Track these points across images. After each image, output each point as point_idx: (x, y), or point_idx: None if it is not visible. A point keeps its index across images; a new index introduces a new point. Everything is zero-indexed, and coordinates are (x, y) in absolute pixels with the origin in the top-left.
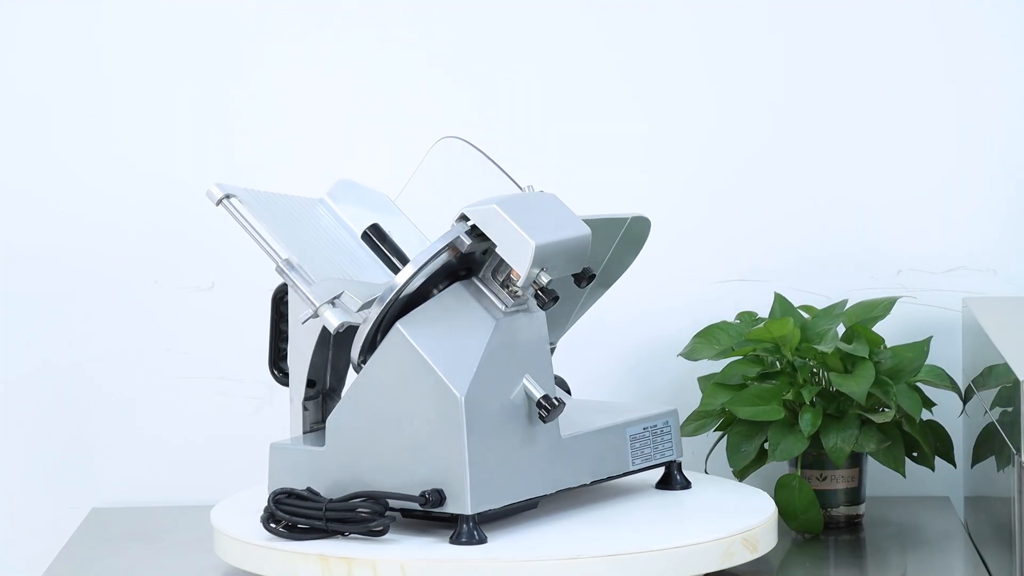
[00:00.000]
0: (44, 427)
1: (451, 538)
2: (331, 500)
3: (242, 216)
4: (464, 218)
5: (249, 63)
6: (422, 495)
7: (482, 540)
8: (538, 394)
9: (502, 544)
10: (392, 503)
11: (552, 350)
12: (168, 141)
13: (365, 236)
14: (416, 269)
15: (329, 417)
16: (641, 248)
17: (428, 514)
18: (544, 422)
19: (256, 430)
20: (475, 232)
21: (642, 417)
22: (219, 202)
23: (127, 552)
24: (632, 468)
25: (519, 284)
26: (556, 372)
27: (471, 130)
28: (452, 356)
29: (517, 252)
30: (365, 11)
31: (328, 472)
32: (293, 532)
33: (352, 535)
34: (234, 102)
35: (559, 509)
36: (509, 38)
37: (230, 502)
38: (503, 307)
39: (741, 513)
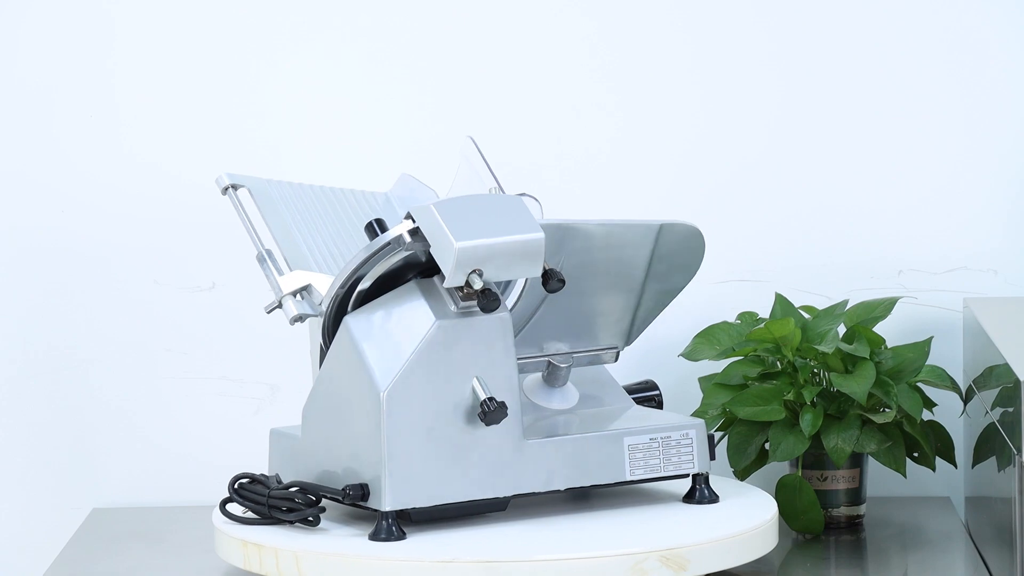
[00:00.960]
0: (45, 427)
1: (370, 534)
2: (274, 488)
3: (240, 207)
4: (410, 217)
5: (251, 62)
6: (344, 489)
7: (400, 537)
8: (482, 396)
9: (421, 542)
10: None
11: (616, 356)
12: (169, 141)
13: (368, 229)
14: (355, 266)
15: (304, 405)
16: (700, 254)
17: (365, 509)
18: (485, 424)
19: (256, 430)
20: (418, 231)
21: (649, 427)
22: (224, 191)
23: (128, 552)
24: (631, 478)
25: (445, 285)
26: (648, 377)
27: (474, 129)
28: (387, 352)
29: (443, 253)
30: (367, 11)
31: (301, 459)
32: (264, 518)
33: (296, 523)
34: (235, 102)
35: (533, 512)
36: (509, 40)
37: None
38: (454, 307)
39: (687, 526)
